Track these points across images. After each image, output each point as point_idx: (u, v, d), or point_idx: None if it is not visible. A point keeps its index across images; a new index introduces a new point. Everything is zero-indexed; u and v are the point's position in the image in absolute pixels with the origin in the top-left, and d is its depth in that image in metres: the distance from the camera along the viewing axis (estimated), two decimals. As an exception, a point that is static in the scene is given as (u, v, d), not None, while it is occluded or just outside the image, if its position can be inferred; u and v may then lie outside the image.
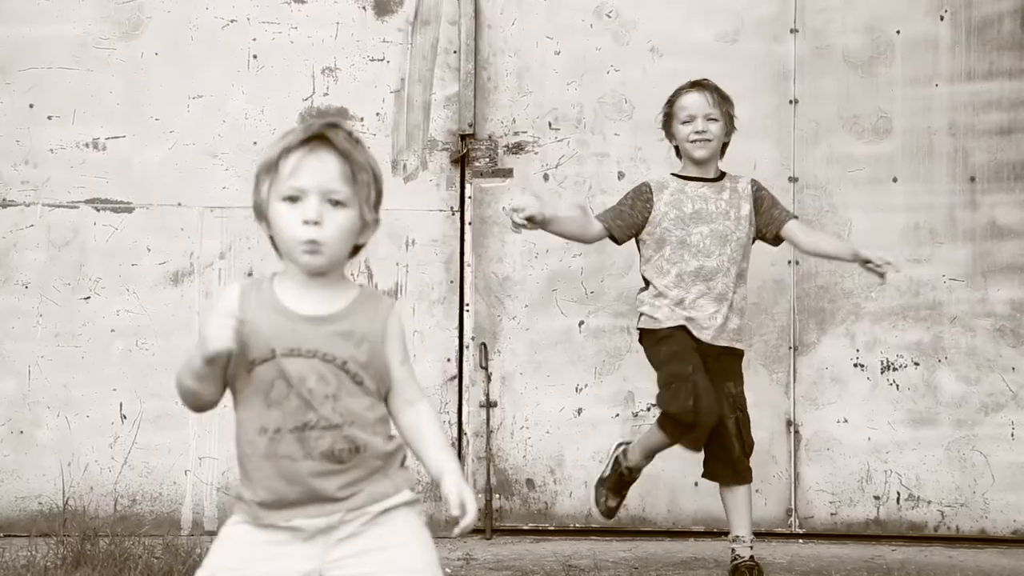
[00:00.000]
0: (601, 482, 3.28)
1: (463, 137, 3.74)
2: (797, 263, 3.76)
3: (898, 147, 3.77)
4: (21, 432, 3.64)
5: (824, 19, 3.78)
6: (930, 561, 3.46)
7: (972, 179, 3.76)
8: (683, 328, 3.11)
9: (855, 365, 3.74)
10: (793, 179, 3.77)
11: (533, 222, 3.05)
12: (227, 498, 3.61)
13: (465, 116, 3.74)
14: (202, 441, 3.64)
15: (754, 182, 3.26)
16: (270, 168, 1.70)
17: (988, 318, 3.74)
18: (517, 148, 3.78)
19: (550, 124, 3.77)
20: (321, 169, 1.68)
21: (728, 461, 3.13)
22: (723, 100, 3.22)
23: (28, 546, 3.08)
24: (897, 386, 3.74)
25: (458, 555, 3.43)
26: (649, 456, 3.19)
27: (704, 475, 3.20)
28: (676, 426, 3.04)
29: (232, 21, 3.74)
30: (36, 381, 3.65)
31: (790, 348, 3.75)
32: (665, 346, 3.10)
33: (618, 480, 3.26)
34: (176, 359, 3.61)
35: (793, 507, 3.73)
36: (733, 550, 3.16)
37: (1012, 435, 3.71)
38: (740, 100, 3.74)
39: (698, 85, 3.23)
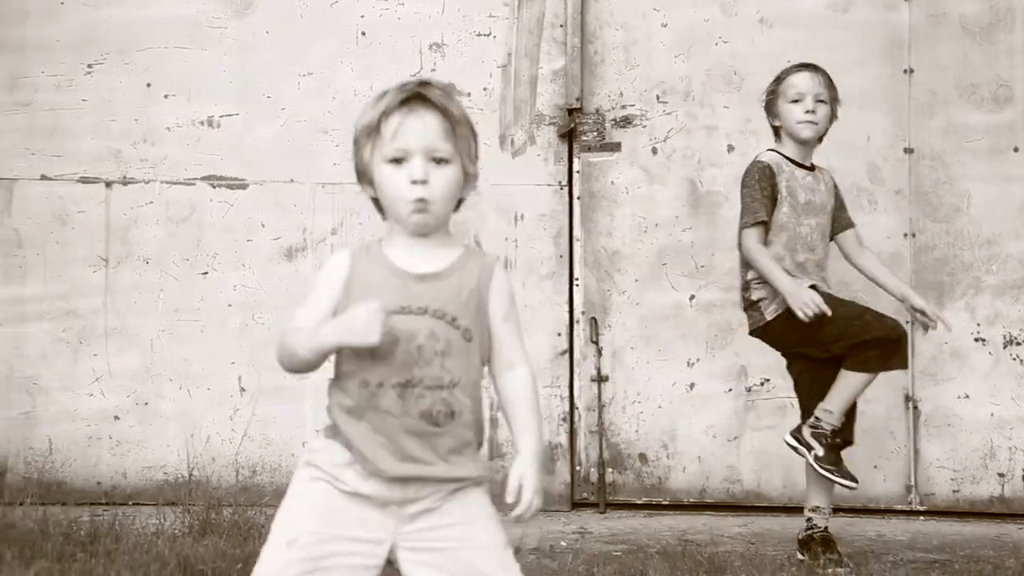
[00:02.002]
0: (821, 462, 3.02)
1: (570, 111, 3.72)
2: (914, 236, 3.67)
3: (1019, 116, 3.66)
4: (146, 404, 3.72)
5: (941, -15, 3.69)
6: (1057, 540, 3.38)
7: (1098, 148, 3.64)
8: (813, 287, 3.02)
9: (976, 340, 3.65)
10: (908, 150, 3.69)
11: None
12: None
13: (572, 90, 3.72)
14: (318, 413, 3.67)
15: (832, 177, 3.18)
16: (371, 131, 1.70)
17: (1116, 291, 3.62)
18: (625, 122, 3.75)
19: (658, 97, 3.73)
20: (423, 129, 1.68)
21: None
22: (832, 86, 3.12)
23: (156, 514, 3.15)
24: (1021, 361, 3.64)
25: (572, 528, 3.44)
26: (849, 407, 3.02)
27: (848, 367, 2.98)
28: (884, 349, 2.97)
29: (340, -2, 3.76)
30: (158, 354, 3.72)
31: (908, 322, 3.66)
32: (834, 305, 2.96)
33: (834, 451, 3.03)
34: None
35: (913, 484, 3.66)
36: (810, 519, 3.07)
37: None
38: (852, 70, 3.69)
39: (810, 66, 3.13)
